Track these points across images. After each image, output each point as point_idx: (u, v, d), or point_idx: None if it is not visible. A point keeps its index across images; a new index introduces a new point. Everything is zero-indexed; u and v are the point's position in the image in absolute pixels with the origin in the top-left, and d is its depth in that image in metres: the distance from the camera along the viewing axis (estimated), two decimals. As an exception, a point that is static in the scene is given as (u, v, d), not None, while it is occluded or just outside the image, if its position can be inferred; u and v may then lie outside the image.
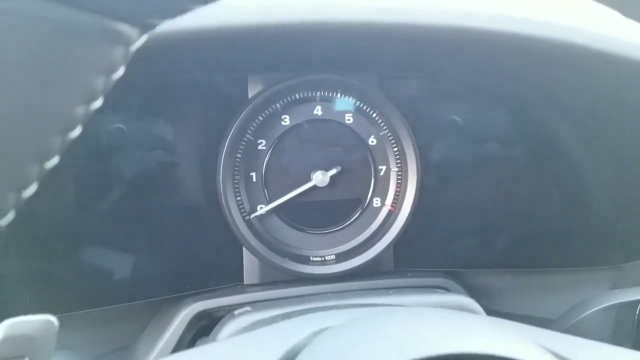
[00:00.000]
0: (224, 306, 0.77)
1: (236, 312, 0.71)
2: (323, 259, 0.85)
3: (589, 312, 0.66)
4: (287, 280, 0.84)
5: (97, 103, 0.34)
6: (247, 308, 0.72)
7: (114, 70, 0.34)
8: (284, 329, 0.50)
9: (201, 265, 0.86)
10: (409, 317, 0.47)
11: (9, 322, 0.37)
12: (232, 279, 0.85)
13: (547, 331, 0.48)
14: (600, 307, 0.65)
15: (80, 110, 0.33)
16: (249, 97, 0.82)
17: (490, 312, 0.79)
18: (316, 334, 0.45)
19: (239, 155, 0.82)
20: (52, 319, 0.38)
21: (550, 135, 0.95)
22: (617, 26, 0.73)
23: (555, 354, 0.41)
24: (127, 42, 0.34)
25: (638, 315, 0.61)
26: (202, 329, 0.78)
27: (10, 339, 0.36)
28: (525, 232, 0.99)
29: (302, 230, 0.86)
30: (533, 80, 0.86)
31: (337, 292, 0.80)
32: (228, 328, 0.68)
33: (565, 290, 0.97)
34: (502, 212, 0.98)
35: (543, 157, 0.97)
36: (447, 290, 0.86)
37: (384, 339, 0.41)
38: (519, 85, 0.91)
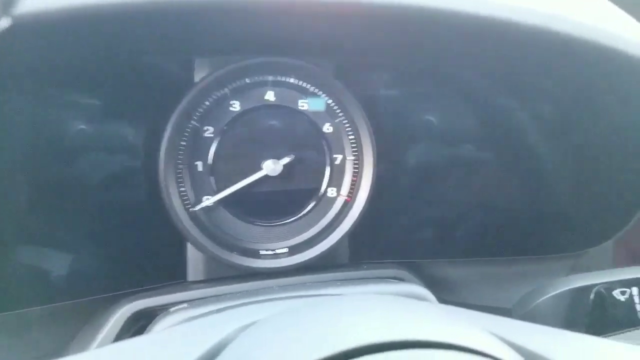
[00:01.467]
0: (164, 305, 0.72)
1: (172, 309, 0.67)
2: (274, 252, 0.81)
3: (543, 298, 0.65)
4: (235, 276, 0.79)
5: None
6: (184, 305, 0.67)
7: None
8: (211, 324, 0.46)
9: (142, 262, 0.80)
10: (347, 305, 0.44)
11: None
12: (175, 276, 0.80)
13: (498, 317, 0.45)
14: (554, 293, 0.63)
15: None
16: (195, 81, 0.76)
17: (447, 302, 0.77)
18: (245, 327, 0.42)
19: (183, 143, 0.76)
20: None
21: (510, 125, 0.93)
22: (586, 11, 0.71)
23: (504, 340, 0.39)
24: None
25: (592, 300, 0.60)
26: (141, 330, 0.73)
27: None
28: (484, 222, 0.98)
29: (252, 223, 0.81)
30: (491, 67, 0.84)
31: (286, 286, 0.76)
32: (161, 326, 0.63)
33: (523, 279, 0.96)
34: (460, 203, 0.96)
35: (503, 147, 0.95)
36: (403, 281, 0.83)
37: (313, 330, 0.38)
38: (477, 73, 0.89)
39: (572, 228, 0.96)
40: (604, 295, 0.61)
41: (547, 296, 0.70)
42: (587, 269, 0.92)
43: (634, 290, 0.58)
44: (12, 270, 0.76)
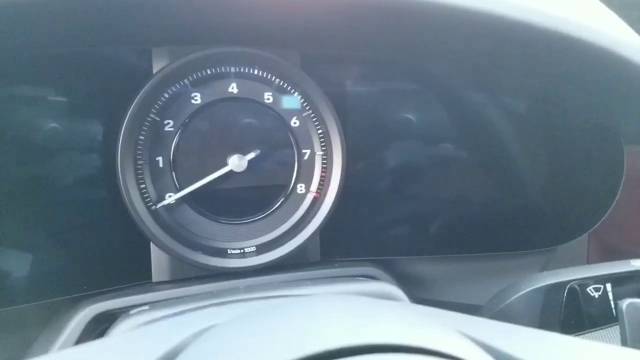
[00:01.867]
0: (127, 307, 0.68)
1: (132, 311, 0.63)
2: (242, 251, 0.78)
3: (516, 295, 0.63)
4: (201, 277, 0.75)
5: None
6: (145, 307, 0.64)
7: None
8: (168, 327, 0.43)
9: (104, 263, 0.77)
10: (312, 306, 0.41)
11: None
12: (139, 277, 0.76)
13: (469, 317, 0.43)
14: (527, 290, 0.61)
15: None
16: (153, 72, 0.72)
17: (420, 300, 0.75)
18: (203, 331, 0.39)
19: (141, 138, 0.72)
20: None
21: (483, 122, 0.91)
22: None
23: (475, 340, 0.37)
24: None
25: (565, 297, 0.58)
26: (103, 333, 0.70)
27: None
28: (457, 219, 0.96)
29: (218, 221, 0.78)
30: (463, 60, 0.82)
31: (254, 286, 0.73)
32: (120, 329, 0.60)
33: (496, 276, 0.94)
34: (432, 199, 0.94)
35: (476, 144, 0.93)
36: (375, 279, 0.81)
37: (275, 334, 0.35)
38: (449, 68, 0.87)
39: (545, 224, 0.95)
40: (577, 292, 0.59)
41: (520, 293, 0.68)
42: (561, 264, 0.92)
43: (608, 286, 0.56)
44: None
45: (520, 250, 0.94)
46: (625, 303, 0.50)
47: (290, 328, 0.36)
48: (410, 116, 0.90)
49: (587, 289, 0.58)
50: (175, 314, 0.60)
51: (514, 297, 0.68)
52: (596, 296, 0.58)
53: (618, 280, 0.58)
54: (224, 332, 0.38)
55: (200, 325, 0.40)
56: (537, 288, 0.60)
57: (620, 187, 0.83)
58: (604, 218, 0.85)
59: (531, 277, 0.62)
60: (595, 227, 0.87)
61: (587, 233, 0.90)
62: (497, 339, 0.38)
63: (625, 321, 0.51)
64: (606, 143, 0.84)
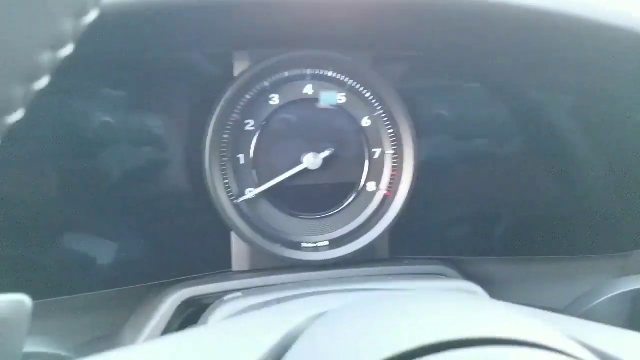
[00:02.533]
0: (213, 293, 0.74)
1: (226, 297, 0.68)
2: (315, 245, 0.81)
3: (600, 300, 0.62)
4: (277, 267, 0.80)
5: (43, 82, 0.30)
6: (238, 294, 0.68)
7: (60, 46, 0.30)
8: (279, 313, 0.46)
9: (188, 252, 0.82)
10: (420, 301, 0.42)
11: None
12: (220, 266, 0.81)
13: (569, 318, 0.43)
14: (613, 294, 0.61)
15: (19, 91, 0.29)
16: (235, 75, 0.78)
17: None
18: (314, 318, 0.41)
19: (225, 137, 0.78)
20: (25, 298, 0.34)
21: (548, 121, 0.91)
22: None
23: (579, 341, 0.37)
24: (78, 14, 0.30)
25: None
26: (189, 318, 0.75)
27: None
28: (526, 220, 0.95)
29: (294, 216, 0.82)
30: (528, 60, 0.83)
31: (331, 279, 0.76)
32: (218, 314, 0.64)
33: (569, 279, 0.93)
34: (501, 200, 0.94)
35: (541, 144, 0.93)
36: (449, 277, 0.82)
37: (393, 323, 0.36)
38: (514, 68, 0.88)
39: (619, 227, 0.93)
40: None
41: (605, 298, 0.68)
42: (638, 269, 0.89)
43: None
44: (61, 259, 0.80)
45: (592, 254, 0.93)
46: None
47: (410, 318, 0.37)
48: (476, 117, 0.92)
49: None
50: (274, 301, 0.64)
51: (597, 302, 0.68)
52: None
53: None
54: (338, 320, 0.40)
55: (308, 313, 0.42)
56: (623, 292, 0.60)
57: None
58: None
59: (615, 282, 0.62)
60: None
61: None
62: (601, 340, 0.38)
63: None
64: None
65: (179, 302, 0.73)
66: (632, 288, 0.60)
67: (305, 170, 0.80)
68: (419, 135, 0.84)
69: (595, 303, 0.69)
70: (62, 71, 0.32)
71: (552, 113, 0.91)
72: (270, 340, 0.38)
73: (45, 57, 0.29)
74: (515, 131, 0.93)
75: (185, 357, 0.38)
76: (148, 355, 0.38)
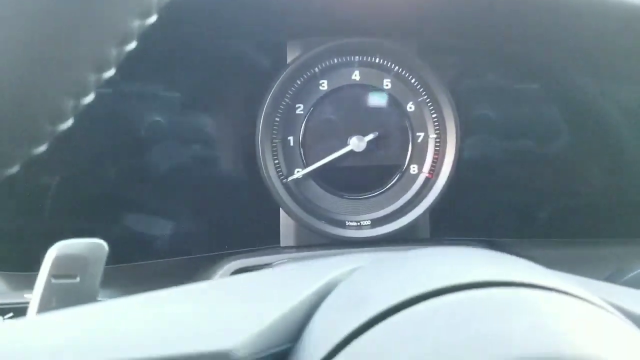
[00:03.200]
0: (262, 264, 0.79)
1: (274, 264, 0.73)
2: (359, 223, 0.86)
3: (631, 274, 0.64)
4: (322, 244, 0.85)
5: (110, 72, 0.35)
6: (285, 260, 0.74)
7: (129, 38, 0.34)
8: (324, 263, 0.49)
9: (240, 228, 0.88)
10: (458, 253, 0.45)
11: (63, 242, 0.39)
12: (269, 241, 0.87)
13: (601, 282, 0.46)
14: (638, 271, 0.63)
15: (91, 78, 0.34)
16: (288, 62, 0.83)
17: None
18: (356, 269, 0.44)
19: (277, 119, 0.83)
20: (102, 242, 0.40)
21: (598, 114, 0.92)
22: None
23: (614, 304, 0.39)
24: (145, 11, 0.34)
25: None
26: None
27: (63, 258, 0.38)
28: (570, 205, 0.97)
29: (339, 195, 0.87)
30: (568, 45, 0.84)
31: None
32: None
33: (608, 262, 0.94)
34: (545, 189, 0.96)
35: (590, 138, 0.94)
36: None
37: (426, 267, 0.39)
38: (554, 52, 0.89)
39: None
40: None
41: (630, 275, 0.69)
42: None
43: None
44: (124, 232, 0.87)
45: (632, 237, 0.94)
46: None
47: (450, 264, 0.40)
48: (519, 103, 0.93)
49: None
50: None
51: (629, 276, 0.69)
52: None
53: None
54: (383, 266, 0.41)
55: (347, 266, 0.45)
56: None
57: None
58: None
59: None
60: None
61: None
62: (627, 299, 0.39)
63: None
64: None
65: (230, 272, 0.79)
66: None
67: (351, 152, 0.84)
68: (464, 121, 0.87)
69: (626, 277, 0.71)
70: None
71: (604, 105, 0.92)
72: (318, 281, 0.39)
73: (114, 51, 0.34)
74: (564, 128, 0.95)
75: (220, 297, 0.41)
76: (192, 293, 0.40)
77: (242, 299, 0.38)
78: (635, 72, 0.85)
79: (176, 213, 0.89)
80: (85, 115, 0.36)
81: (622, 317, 0.35)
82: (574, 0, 0.71)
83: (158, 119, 0.86)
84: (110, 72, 0.35)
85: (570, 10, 0.72)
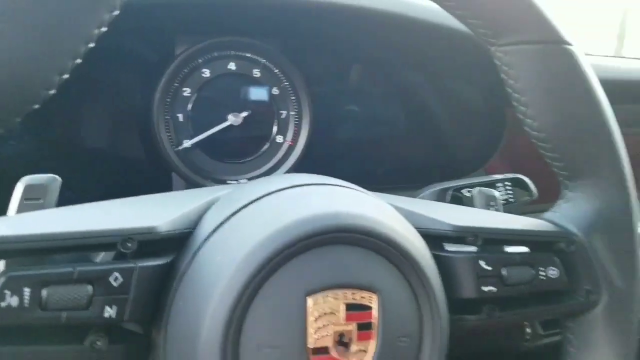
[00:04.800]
0: None
1: None
2: (237, 181, 1.10)
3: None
4: None
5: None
6: None
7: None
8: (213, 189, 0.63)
9: (139, 191, 1.07)
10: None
11: (29, 177, 0.58)
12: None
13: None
14: (422, 194, 0.93)
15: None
16: (176, 54, 1.04)
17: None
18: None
19: (168, 100, 1.04)
20: (57, 176, 0.59)
21: (419, 98, 1.25)
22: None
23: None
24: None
25: (449, 200, 0.91)
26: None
27: (31, 186, 0.58)
28: (400, 165, 1.29)
29: (221, 160, 1.09)
30: (406, 52, 1.15)
31: None
32: None
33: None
34: (383, 152, 1.27)
35: (415, 116, 1.26)
36: None
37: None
38: (395, 59, 1.20)
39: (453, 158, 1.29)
40: (457, 195, 0.92)
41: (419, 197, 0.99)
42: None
43: (475, 190, 0.89)
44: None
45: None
46: (476, 190, 0.84)
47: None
48: (372, 98, 1.23)
49: (462, 191, 0.91)
50: None
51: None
52: (468, 195, 0.91)
53: (482, 184, 0.91)
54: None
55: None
56: (427, 193, 0.93)
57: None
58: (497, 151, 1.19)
59: (427, 187, 0.95)
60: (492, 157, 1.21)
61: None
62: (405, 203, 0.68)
63: (476, 203, 0.84)
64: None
65: None
66: (434, 190, 0.92)
67: (230, 126, 1.08)
68: (317, 100, 1.14)
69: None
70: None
71: (431, 97, 1.24)
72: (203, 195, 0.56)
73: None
74: (402, 116, 1.26)
75: (143, 200, 0.60)
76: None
77: (161, 201, 0.61)
78: (455, 71, 1.17)
79: (79, 182, 1.06)
80: None
81: (363, 190, 0.62)
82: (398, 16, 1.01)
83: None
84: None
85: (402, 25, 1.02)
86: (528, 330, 1.30)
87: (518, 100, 0.68)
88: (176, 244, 0.54)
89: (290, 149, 1.13)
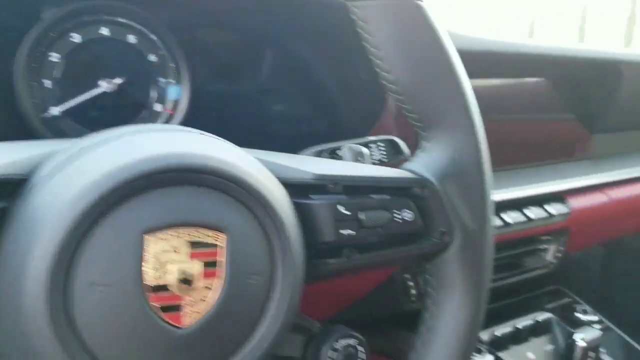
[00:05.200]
0: None
1: None
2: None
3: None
4: None
5: None
6: None
7: None
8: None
9: None
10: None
11: None
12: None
13: None
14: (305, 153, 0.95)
15: None
16: (41, 18, 0.98)
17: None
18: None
19: (34, 65, 0.97)
20: None
21: (308, 70, 1.26)
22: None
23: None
24: None
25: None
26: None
27: None
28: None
29: (94, 129, 1.04)
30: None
31: None
32: None
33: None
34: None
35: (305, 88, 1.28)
36: None
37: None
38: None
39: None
40: (332, 157, 0.94)
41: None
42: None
43: (345, 147, 0.92)
44: None
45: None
46: (346, 147, 0.86)
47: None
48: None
49: (337, 152, 0.94)
50: None
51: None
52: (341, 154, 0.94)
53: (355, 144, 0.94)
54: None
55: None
56: (308, 153, 0.94)
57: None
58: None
59: (307, 149, 0.97)
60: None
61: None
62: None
63: (345, 159, 0.86)
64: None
65: None
66: (313, 151, 0.95)
67: (104, 93, 1.03)
68: (199, 72, 1.12)
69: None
70: None
71: (319, 68, 1.26)
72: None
73: None
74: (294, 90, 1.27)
75: None
76: None
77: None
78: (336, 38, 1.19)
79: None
80: None
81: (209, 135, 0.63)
82: None
83: None
84: None
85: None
86: (413, 292, 1.36)
87: (375, 55, 0.71)
88: (11, 190, 0.52)
89: (170, 118, 1.10)
